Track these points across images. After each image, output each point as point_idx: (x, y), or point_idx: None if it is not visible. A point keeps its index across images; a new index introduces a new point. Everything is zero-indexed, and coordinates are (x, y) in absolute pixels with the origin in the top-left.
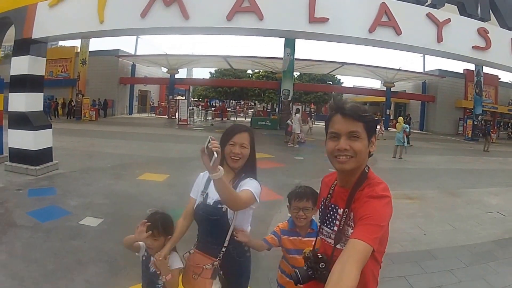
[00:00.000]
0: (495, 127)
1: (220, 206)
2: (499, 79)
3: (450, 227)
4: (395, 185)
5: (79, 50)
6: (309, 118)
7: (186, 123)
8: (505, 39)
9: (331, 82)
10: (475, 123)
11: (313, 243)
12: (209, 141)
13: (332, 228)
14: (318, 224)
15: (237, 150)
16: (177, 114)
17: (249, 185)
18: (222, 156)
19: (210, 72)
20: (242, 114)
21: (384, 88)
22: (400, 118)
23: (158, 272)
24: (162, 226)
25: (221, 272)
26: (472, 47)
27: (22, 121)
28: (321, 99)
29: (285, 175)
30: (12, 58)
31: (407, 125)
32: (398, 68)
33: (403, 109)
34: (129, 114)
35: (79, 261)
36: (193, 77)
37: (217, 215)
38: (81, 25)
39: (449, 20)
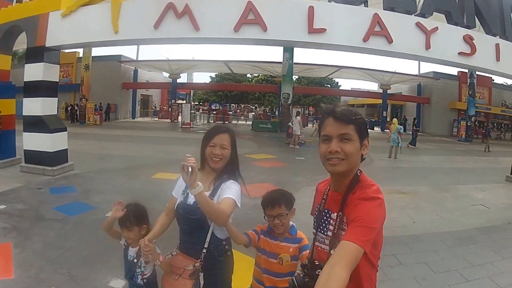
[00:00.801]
0: (481, 128)
1: (199, 206)
2: (493, 80)
3: (437, 217)
4: (389, 182)
5: (81, 56)
6: (315, 121)
7: (189, 126)
8: (490, 44)
9: (329, 85)
10: (469, 124)
11: (291, 250)
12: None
13: (326, 233)
14: (313, 231)
15: (217, 151)
16: (179, 117)
17: (230, 191)
18: (203, 155)
19: (211, 76)
20: (242, 118)
21: (381, 91)
22: (395, 120)
23: (135, 261)
24: (133, 217)
25: (202, 273)
26: (458, 53)
27: (39, 124)
28: (320, 102)
29: (288, 174)
30: (26, 65)
31: (401, 127)
32: (393, 71)
33: (399, 110)
34: (132, 118)
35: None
36: (194, 81)
37: (196, 214)
38: (96, 34)
39: (436, 28)
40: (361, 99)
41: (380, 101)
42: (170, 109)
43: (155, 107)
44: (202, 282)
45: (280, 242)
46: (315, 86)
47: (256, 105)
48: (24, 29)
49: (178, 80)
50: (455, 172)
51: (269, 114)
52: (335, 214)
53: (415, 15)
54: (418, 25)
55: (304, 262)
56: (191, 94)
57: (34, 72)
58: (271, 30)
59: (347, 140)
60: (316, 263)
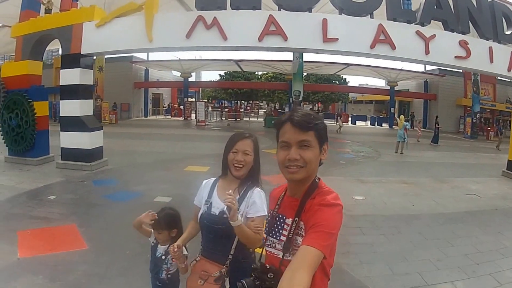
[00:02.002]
0: (494, 125)
1: (226, 216)
2: (497, 77)
3: (434, 202)
4: (395, 174)
5: (94, 58)
6: (338, 118)
7: (203, 124)
8: (484, 48)
9: (337, 82)
10: (474, 121)
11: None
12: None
13: (278, 238)
14: (264, 235)
15: (239, 157)
16: (193, 115)
17: (258, 206)
18: (226, 162)
19: (220, 74)
20: (253, 114)
21: (388, 87)
22: (401, 117)
23: (163, 257)
24: (164, 221)
25: (228, 278)
26: (455, 56)
27: (77, 124)
28: (328, 98)
29: None
30: (62, 70)
31: (407, 123)
32: (400, 68)
33: (407, 107)
34: (145, 117)
35: None
36: (202, 79)
37: (222, 224)
38: (131, 42)
39: (434, 35)
40: (369, 96)
41: (388, 97)
42: (183, 107)
43: (168, 105)
44: (227, 287)
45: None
46: (323, 83)
47: (264, 101)
48: (58, 37)
49: (189, 79)
50: (455, 166)
51: (280, 110)
52: (290, 219)
53: (415, 24)
54: (418, 33)
55: (253, 266)
56: (200, 92)
57: (70, 76)
58: (291, 39)
59: (307, 147)
60: (268, 267)
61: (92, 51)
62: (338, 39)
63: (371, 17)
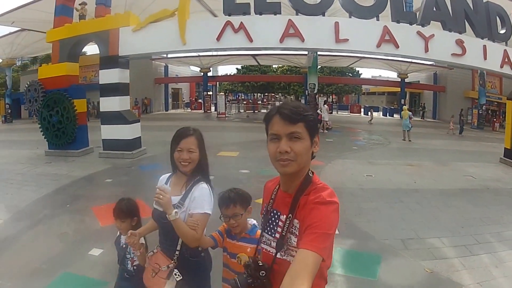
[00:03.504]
0: (500, 117)
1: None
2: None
3: (433, 181)
4: (401, 158)
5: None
6: (370, 110)
7: (224, 116)
8: (478, 46)
9: (350, 74)
10: (480, 112)
11: (249, 250)
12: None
13: (273, 235)
14: (260, 231)
15: (184, 155)
16: (212, 108)
17: (202, 203)
18: (172, 160)
19: (237, 68)
20: (269, 106)
21: (399, 79)
22: (405, 107)
23: (124, 246)
24: (127, 209)
25: (177, 273)
26: (451, 54)
27: (118, 118)
28: (342, 90)
29: (321, 151)
30: (101, 71)
31: (410, 113)
32: (410, 60)
33: (417, 98)
34: (165, 111)
35: None
36: (219, 73)
37: (167, 218)
38: (166, 45)
39: (433, 35)
40: (382, 87)
41: (398, 89)
42: (202, 100)
43: (189, 99)
44: (174, 283)
45: (237, 242)
46: (337, 75)
47: (280, 94)
48: (95, 41)
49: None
50: (458, 153)
51: None
52: (284, 216)
53: (416, 25)
54: (419, 33)
55: (247, 262)
56: (217, 86)
57: (109, 76)
58: (308, 41)
59: (297, 139)
60: (260, 264)
61: (130, 53)
62: (348, 39)
63: (377, 20)
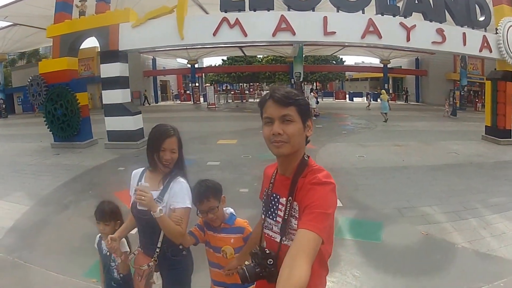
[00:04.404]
0: (482, 97)
1: (142, 208)
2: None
3: (419, 158)
4: (388, 139)
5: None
6: (369, 95)
7: (214, 106)
8: (458, 33)
9: (334, 62)
10: (462, 93)
11: (232, 241)
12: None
13: (275, 219)
14: (262, 216)
15: (167, 156)
16: (202, 99)
17: (182, 197)
18: (154, 160)
19: (223, 59)
20: (256, 95)
21: (382, 65)
22: (383, 91)
23: (108, 254)
24: (110, 211)
25: (157, 272)
26: (432, 42)
27: (121, 110)
28: (326, 77)
29: (313, 136)
30: (102, 65)
31: (388, 96)
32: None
33: (400, 83)
34: (156, 103)
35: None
36: (204, 65)
37: (148, 214)
38: (164, 40)
39: (415, 25)
40: (365, 73)
41: (381, 74)
42: (191, 92)
43: (177, 91)
44: (159, 282)
45: (218, 234)
46: (321, 63)
47: (265, 83)
48: (95, 36)
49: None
50: (441, 133)
51: None
52: (284, 199)
53: (399, 17)
54: (401, 24)
55: (253, 251)
56: (203, 77)
57: (111, 70)
58: (298, 34)
59: (289, 122)
60: (267, 252)
61: (129, 47)
62: (336, 32)
63: (362, 13)
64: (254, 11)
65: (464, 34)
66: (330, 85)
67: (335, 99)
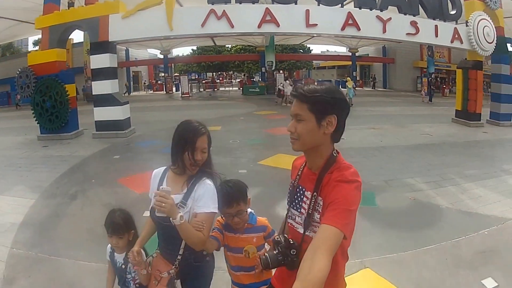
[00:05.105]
0: (449, 83)
1: (162, 215)
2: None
3: (396, 139)
4: (365, 123)
5: (75, 42)
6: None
7: (188, 95)
8: (430, 26)
9: (301, 51)
10: (429, 80)
11: (255, 240)
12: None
13: (299, 210)
14: (287, 206)
15: (198, 157)
16: (174, 88)
17: (207, 201)
18: (181, 161)
19: (193, 49)
20: (225, 84)
21: (350, 54)
22: (348, 78)
23: (123, 266)
24: (123, 221)
25: (177, 280)
26: (406, 33)
27: (110, 100)
28: (294, 66)
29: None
30: (91, 56)
31: (353, 83)
32: (360, 36)
33: (367, 70)
34: (129, 93)
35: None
36: (174, 55)
37: (168, 220)
38: (154, 31)
39: (390, 18)
40: (332, 62)
41: (349, 63)
42: (164, 81)
43: (149, 82)
44: None
45: (241, 235)
46: (289, 52)
47: (234, 72)
48: (85, 27)
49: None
50: (413, 117)
51: (253, 79)
52: (309, 193)
53: (375, 10)
54: (378, 17)
55: (276, 239)
56: (173, 67)
57: (100, 61)
58: (282, 26)
59: (300, 121)
60: (291, 242)
61: (119, 38)
62: (317, 24)
63: (342, 6)
64: (240, 3)
65: (436, 26)
66: (297, 73)
67: None
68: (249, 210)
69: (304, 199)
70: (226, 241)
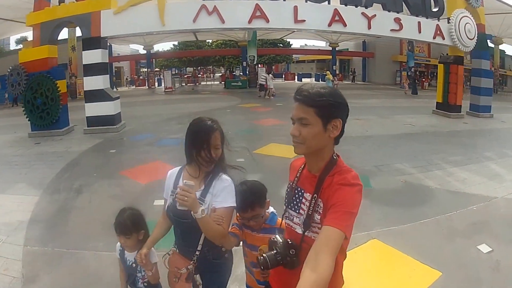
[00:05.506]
0: (429, 77)
1: (184, 209)
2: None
3: (381, 129)
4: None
5: (67, 37)
6: (335, 78)
7: (171, 90)
8: (414, 22)
9: (281, 45)
10: (409, 74)
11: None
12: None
13: (297, 211)
14: (284, 207)
15: (213, 153)
16: (157, 83)
17: (226, 196)
18: (196, 159)
19: (174, 44)
20: (206, 79)
21: (330, 48)
22: (328, 72)
23: (134, 265)
24: (131, 222)
25: (197, 275)
26: (390, 30)
27: (102, 95)
28: (274, 60)
29: (277, 113)
30: (84, 52)
31: (333, 76)
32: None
33: (347, 64)
34: (116, 89)
35: None
36: (155, 50)
37: (188, 217)
38: (146, 26)
39: (375, 15)
40: (311, 56)
41: (329, 57)
42: (146, 77)
43: (131, 77)
44: (200, 282)
45: (257, 234)
46: (269, 47)
47: (215, 67)
48: (77, 23)
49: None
50: (395, 108)
51: (234, 73)
52: (309, 194)
53: (361, 7)
54: (363, 14)
55: (272, 239)
56: (153, 62)
57: (92, 56)
58: (272, 21)
59: (305, 125)
60: (290, 242)
61: (111, 34)
62: (305, 20)
63: (328, 3)
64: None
65: (419, 23)
66: (276, 67)
67: (285, 80)
68: (271, 209)
69: (303, 200)
70: (244, 237)
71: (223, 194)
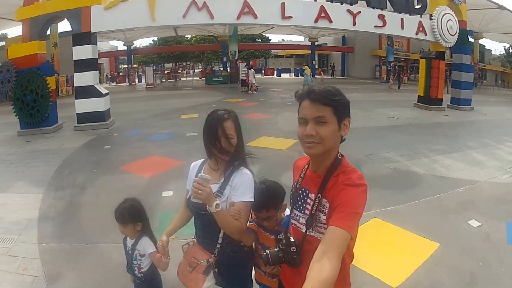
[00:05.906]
0: (408, 71)
1: (199, 202)
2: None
3: (365, 122)
4: None
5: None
6: (322, 72)
7: (153, 86)
8: (397, 19)
9: (260, 40)
10: (388, 68)
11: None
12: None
13: (303, 211)
14: (289, 208)
15: (223, 143)
16: (137, 80)
17: (241, 190)
18: (211, 151)
19: (154, 40)
20: (185, 74)
21: (309, 43)
22: (306, 66)
23: (130, 252)
24: (128, 214)
25: (216, 269)
26: (374, 26)
27: (92, 91)
28: (252, 55)
29: (262, 107)
30: (74, 47)
31: (311, 71)
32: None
33: (325, 59)
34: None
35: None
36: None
37: (206, 210)
38: (137, 21)
39: (360, 12)
40: (290, 50)
41: (307, 51)
42: (127, 73)
43: (110, 74)
44: (210, 282)
45: (269, 235)
46: (248, 42)
47: (189, 62)
48: (67, 18)
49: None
50: (377, 102)
51: (214, 69)
52: (313, 195)
53: (346, 4)
54: (348, 10)
55: (279, 237)
56: (132, 59)
57: (83, 52)
58: (260, 18)
59: (323, 123)
60: (291, 240)
61: (102, 29)
62: (292, 16)
63: (315, 0)
64: None
65: (402, 19)
66: (254, 62)
67: (264, 75)
68: (287, 212)
69: (308, 200)
70: (259, 235)
71: (241, 188)
